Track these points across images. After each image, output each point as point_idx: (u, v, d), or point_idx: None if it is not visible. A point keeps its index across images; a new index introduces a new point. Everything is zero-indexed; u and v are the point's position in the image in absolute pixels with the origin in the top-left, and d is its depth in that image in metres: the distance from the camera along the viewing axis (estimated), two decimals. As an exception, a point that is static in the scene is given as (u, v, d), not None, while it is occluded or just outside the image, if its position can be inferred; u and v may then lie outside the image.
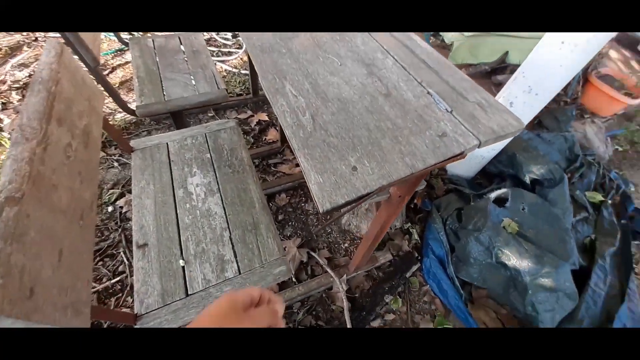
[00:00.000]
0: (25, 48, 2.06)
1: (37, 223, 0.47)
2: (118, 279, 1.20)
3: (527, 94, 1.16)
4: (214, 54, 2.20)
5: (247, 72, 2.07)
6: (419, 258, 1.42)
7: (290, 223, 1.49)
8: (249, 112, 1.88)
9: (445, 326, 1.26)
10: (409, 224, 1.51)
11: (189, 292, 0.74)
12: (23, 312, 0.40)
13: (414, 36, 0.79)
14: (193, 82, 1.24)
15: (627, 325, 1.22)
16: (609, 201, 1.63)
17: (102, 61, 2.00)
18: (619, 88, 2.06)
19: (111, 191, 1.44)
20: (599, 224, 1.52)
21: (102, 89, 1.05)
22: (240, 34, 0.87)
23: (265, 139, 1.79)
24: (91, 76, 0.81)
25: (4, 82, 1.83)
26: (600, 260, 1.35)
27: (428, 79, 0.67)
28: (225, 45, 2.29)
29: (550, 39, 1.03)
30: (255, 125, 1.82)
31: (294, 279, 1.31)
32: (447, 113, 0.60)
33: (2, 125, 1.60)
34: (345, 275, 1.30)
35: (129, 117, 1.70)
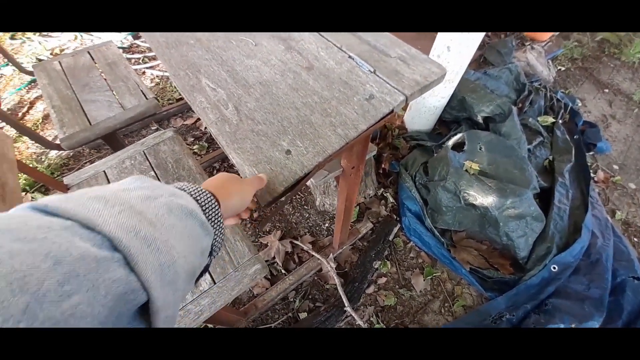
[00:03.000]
0: None
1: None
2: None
3: (459, 35, 1.16)
4: (140, 61, 2.03)
5: (184, 74, 1.92)
6: (398, 219, 1.45)
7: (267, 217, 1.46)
8: (196, 116, 1.77)
9: (433, 275, 1.32)
10: (382, 189, 1.53)
11: (165, 318, 0.71)
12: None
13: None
14: (117, 98, 1.13)
15: (595, 231, 1.32)
16: (560, 121, 1.71)
17: (16, 98, 1.79)
18: (550, 9, 2.11)
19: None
20: (554, 144, 1.61)
21: (15, 131, 0.93)
22: (142, 33, 0.78)
23: (220, 140, 1.71)
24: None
25: None
26: (560, 177, 1.44)
27: (347, 41, 0.63)
28: (149, 49, 2.11)
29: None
30: (205, 128, 1.73)
31: (283, 271, 1.31)
32: (370, 74, 0.58)
33: None
34: (331, 254, 1.31)
35: (64, 152, 1.56)
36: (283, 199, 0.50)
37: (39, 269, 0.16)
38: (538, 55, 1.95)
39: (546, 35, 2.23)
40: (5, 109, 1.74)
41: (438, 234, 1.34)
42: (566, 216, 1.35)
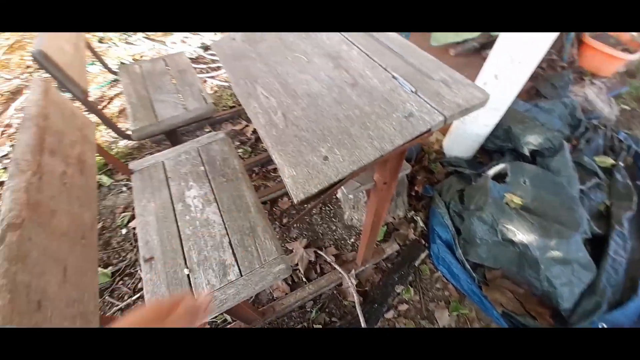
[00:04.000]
0: (24, 91, 2.20)
1: (39, 245, 0.52)
2: (138, 295, 1.25)
3: (509, 64, 1.14)
4: (203, 71, 2.28)
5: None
6: (427, 245, 1.41)
7: (295, 225, 1.51)
8: (244, 123, 1.93)
9: (460, 312, 1.24)
10: (413, 212, 1.50)
11: (196, 297, 0.77)
12: (32, 322, 0.44)
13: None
14: (182, 100, 1.29)
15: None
16: (621, 163, 1.56)
17: (99, 93, 2.11)
18: (615, 45, 1.98)
19: (123, 214, 1.51)
20: (612, 188, 1.46)
21: (97, 118, 1.11)
22: (212, 45, 0.90)
23: (262, 145, 1.83)
24: (84, 107, 0.87)
25: (10, 125, 1.96)
26: (618, 226, 1.30)
27: (393, 63, 0.68)
28: (213, 61, 2.36)
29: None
30: (251, 134, 1.87)
31: (304, 279, 1.33)
32: (412, 94, 0.61)
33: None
34: (353, 270, 1.30)
35: (131, 143, 1.79)
36: (312, 203, 0.54)
37: None
38: (599, 91, 1.82)
39: (609, 71, 2.08)
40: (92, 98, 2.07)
41: (469, 268, 1.27)
42: (622, 270, 1.20)
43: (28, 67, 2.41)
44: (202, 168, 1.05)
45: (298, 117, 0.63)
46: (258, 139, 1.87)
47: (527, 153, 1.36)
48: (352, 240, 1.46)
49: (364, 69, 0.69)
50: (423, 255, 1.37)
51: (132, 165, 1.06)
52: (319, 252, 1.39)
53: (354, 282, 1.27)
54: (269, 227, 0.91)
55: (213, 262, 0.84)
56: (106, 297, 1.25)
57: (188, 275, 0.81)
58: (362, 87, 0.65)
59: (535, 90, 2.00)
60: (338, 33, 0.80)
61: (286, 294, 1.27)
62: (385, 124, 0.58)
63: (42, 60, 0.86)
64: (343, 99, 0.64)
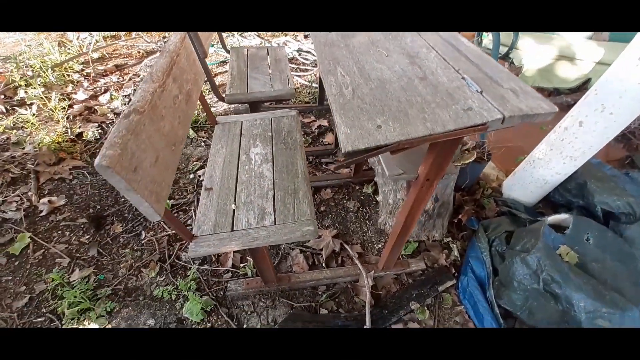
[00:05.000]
0: (157, 54, 2.76)
1: (148, 132, 0.70)
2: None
3: (599, 112, 1.07)
4: (294, 70, 2.58)
5: (318, 86, 2.35)
6: (456, 275, 1.34)
7: (330, 215, 1.58)
8: (312, 117, 2.11)
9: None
10: (450, 239, 1.44)
11: (234, 229, 0.90)
12: (128, 178, 0.60)
13: (460, 37, 0.86)
14: (270, 82, 1.51)
15: None
16: None
17: (210, 67, 2.55)
18: None
19: (195, 163, 1.78)
20: None
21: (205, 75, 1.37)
22: (311, 34, 1.07)
23: (322, 141, 1.98)
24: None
25: (138, 75, 2.46)
26: None
27: (466, 68, 0.73)
28: (304, 64, 2.66)
29: (629, 53, 0.97)
30: (315, 128, 2.03)
31: (323, 265, 1.38)
32: (477, 93, 0.65)
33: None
34: (372, 272, 1.31)
35: (219, 110, 2.10)
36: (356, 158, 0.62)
37: None
38: None
39: None
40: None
41: (498, 312, 1.17)
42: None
43: (164, 37, 3.03)
44: (270, 134, 1.22)
45: (365, 93, 0.72)
46: (320, 134, 2.02)
47: (599, 213, 1.22)
48: (380, 246, 1.47)
49: (436, 68, 0.75)
50: (449, 284, 1.30)
51: (219, 118, 1.27)
52: (345, 245, 1.43)
53: (370, 283, 1.27)
54: (309, 194, 1.00)
55: (256, 206, 0.96)
56: (162, 222, 1.48)
57: (234, 210, 0.95)
58: (430, 81, 0.72)
59: (630, 160, 1.77)
60: (422, 38, 0.88)
61: (303, 271, 1.34)
62: (442, 111, 0.63)
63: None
64: (409, 87, 0.71)
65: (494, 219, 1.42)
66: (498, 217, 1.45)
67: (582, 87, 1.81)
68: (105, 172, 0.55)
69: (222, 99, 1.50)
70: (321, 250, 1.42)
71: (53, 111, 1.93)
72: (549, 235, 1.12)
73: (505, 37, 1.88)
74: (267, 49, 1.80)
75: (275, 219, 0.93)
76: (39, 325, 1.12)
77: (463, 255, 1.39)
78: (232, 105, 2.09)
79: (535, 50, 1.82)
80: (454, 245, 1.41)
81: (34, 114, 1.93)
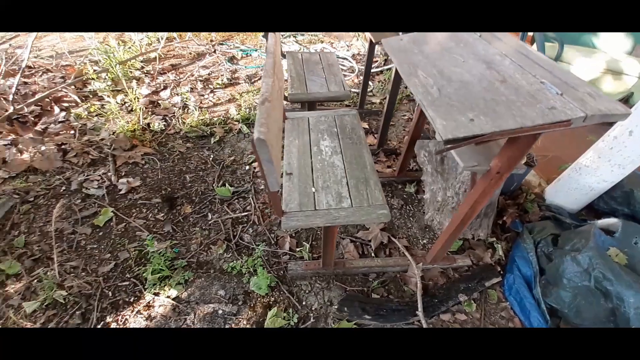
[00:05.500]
0: (207, 56, 2.97)
1: (273, 114, 0.83)
2: (245, 213, 1.59)
3: (652, 122, 1.14)
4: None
5: (357, 90, 2.48)
6: (502, 273, 1.40)
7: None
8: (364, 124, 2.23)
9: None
10: (494, 240, 1.51)
11: (316, 208, 1.01)
12: (271, 150, 0.73)
13: (528, 46, 0.97)
14: (327, 84, 1.65)
15: None
16: None
17: (253, 71, 2.73)
18: None
19: (250, 156, 1.92)
20: None
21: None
22: (383, 41, 1.20)
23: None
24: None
25: (192, 74, 2.67)
26: None
27: (541, 73, 0.83)
28: (342, 70, 2.81)
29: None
30: (358, 130, 2.15)
31: (373, 254, 1.48)
32: (557, 95, 0.75)
33: (188, 103, 2.33)
34: (421, 264, 1.40)
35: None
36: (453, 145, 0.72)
37: None
38: None
39: None
40: (244, 75, 2.69)
41: (544, 308, 1.23)
42: None
43: (212, 40, 3.25)
44: (335, 129, 1.34)
45: (450, 92, 0.84)
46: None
47: (647, 221, 1.27)
48: (424, 241, 1.55)
49: (514, 73, 0.86)
50: (495, 281, 1.37)
51: (288, 114, 1.41)
52: (393, 238, 1.53)
53: (420, 274, 1.36)
54: (379, 183, 1.11)
55: (332, 190, 1.08)
56: (225, 207, 1.62)
57: (314, 192, 1.07)
58: (510, 84, 0.82)
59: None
60: (493, 47, 0.99)
61: (355, 259, 1.43)
62: (528, 109, 0.73)
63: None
64: (491, 89, 0.82)
65: (538, 223, 1.49)
66: (542, 221, 1.51)
67: (623, 100, 1.87)
68: (261, 144, 0.68)
69: (284, 98, 1.64)
70: (369, 241, 1.52)
71: (132, 102, 2.14)
72: (599, 236, 1.19)
73: (550, 49, 1.96)
74: (319, 55, 1.95)
75: (352, 202, 1.04)
76: (124, 289, 1.26)
77: (506, 255, 1.46)
78: (286, 104, 2.25)
79: (581, 63, 1.89)
80: (498, 245, 1.48)
81: (117, 103, 2.14)
